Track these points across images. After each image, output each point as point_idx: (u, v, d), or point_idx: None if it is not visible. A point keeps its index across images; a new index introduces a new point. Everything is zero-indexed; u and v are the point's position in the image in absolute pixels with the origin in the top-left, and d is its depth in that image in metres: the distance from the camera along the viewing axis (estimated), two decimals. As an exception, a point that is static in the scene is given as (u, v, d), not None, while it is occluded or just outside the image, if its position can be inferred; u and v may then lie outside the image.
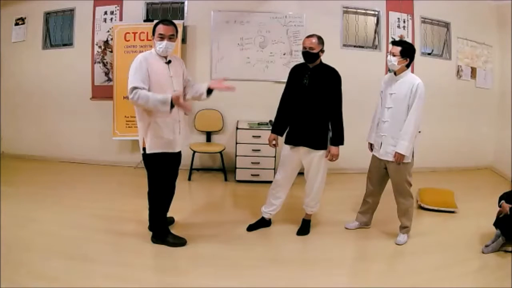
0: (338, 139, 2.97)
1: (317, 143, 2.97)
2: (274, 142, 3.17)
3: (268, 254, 2.96)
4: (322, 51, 2.92)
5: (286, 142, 3.09)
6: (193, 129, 4.74)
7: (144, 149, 2.79)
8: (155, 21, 2.81)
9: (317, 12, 4.68)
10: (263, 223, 3.33)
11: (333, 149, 2.97)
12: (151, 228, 3.04)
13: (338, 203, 3.90)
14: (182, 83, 2.92)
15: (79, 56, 4.77)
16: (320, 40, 2.91)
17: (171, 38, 2.71)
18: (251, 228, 3.29)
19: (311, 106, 2.95)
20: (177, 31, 2.80)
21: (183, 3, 4.71)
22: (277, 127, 3.16)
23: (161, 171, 2.85)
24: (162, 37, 2.68)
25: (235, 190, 4.35)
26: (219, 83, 2.89)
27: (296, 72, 3.07)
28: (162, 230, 2.98)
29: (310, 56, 2.91)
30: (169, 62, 2.79)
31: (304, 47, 2.91)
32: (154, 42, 2.72)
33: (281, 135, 3.16)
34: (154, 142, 2.75)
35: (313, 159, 3.01)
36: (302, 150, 3.02)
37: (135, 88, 2.57)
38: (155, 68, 2.69)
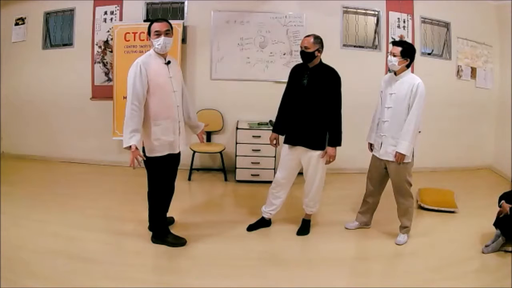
0: (336, 140, 2.96)
1: (315, 143, 2.97)
2: (275, 141, 3.19)
3: (268, 254, 2.96)
4: (318, 50, 2.90)
5: (285, 141, 3.10)
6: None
7: (144, 149, 2.78)
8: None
9: (317, 12, 4.68)
10: (263, 223, 3.33)
11: (330, 149, 2.96)
12: (151, 228, 3.04)
13: (338, 203, 3.90)
14: (180, 84, 2.93)
15: (79, 56, 4.77)
16: (317, 39, 2.89)
17: (167, 33, 2.72)
18: (251, 228, 3.29)
19: (309, 106, 2.95)
20: (172, 28, 2.79)
21: (183, 3, 4.71)
22: (278, 126, 3.17)
23: (161, 172, 2.85)
24: (158, 34, 2.68)
25: (235, 190, 4.35)
26: (201, 136, 3.20)
27: (296, 72, 3.07)
28: (162, 230, 2.98)
29: (306, 55, 2.91)
30: (168, 62, 2.79)
31: (301, 47, 2.92)
32: (152, 41, 2.72)
33: (282, 135, 3.16)
34: (155, 145, 2.75)
35: (311, 159, 3.01)
36: (300, 149, 3.02)
37: (134, 104, 2.61)
38: (154, 70, 2.69)
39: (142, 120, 2.69)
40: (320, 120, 2.95)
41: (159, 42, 2.69)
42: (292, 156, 3.07)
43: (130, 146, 2.63)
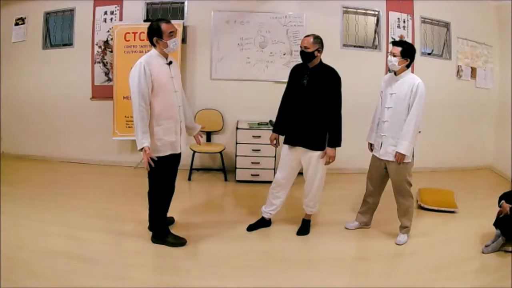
0: (335, 141, 2.94)
1: (315, 144, 2.96)
2: (275, 141, 3.19)
3: (268, 254, 2.96)
4: (318, 50, 2.89)
5: (285, 142, 3.10)
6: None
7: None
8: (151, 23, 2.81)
9: (317, 12, 4.68)
10: (263, 223, 3.32)
11: (329, 150, 2.95)
12: (151, 228, 3.04)
13: (338, 203, 3.90)
14: (181, 85, 2.94)
15: (79, 56, 4.77)
16: (317, 39, 2.89)
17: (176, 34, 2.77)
18: (251, 228, 3.29)
19: (309, 106, 2.94)
20: None
21: (183, 3, 4.71)
22: (278, 126, 3.16)
23: (163, 172, 2.85)
24: (172, 35, 2.71)
25: (235, 190, 4.35)
26: (198, 138, 3.22)
27: (296, 72, 3.07)
28: (162, 230, 2.98)
29: (305, 55, 2.90)
30: (170, 63, 2.80)
31: (300, 47, 2.92)
32: (163, 42, 2.70)
33: (282, 135, 3.16)
34: (157, 145, 2.75)
35: (311, 160, 3.00)
36: (300, 150, 3.02)
37: (141, 105, 2.61)
38: (157, 70, 2.69)
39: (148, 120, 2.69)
40: (320, 121, 2.94)
41: (175, 42, 2.72)
42: (292, 157, 3.07)
43: (143, 148, 2.63)
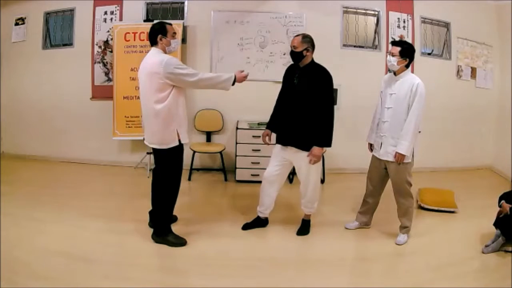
0: (323, 140, 2.89)
1: (306, 144, 2.92)
2: (267, 138, 3.18)
3: (268, 254, 2.96)
4: (307, 50, 2.87)
5: (277, 141, 3.08)
6: (193, 129, 4.73)
7: (178, 141, 2.85)
8: (155, 21, 2.90)
9: (317, 12, 4.68)
10: (259, 222, 3.30)
11: (315, 149, 2.89)
12: (152, 224, 3.05)
13: (338, 203, 3.91)
14: None
15: (79, 56, 4.77)
16: (305, 39, 2.87)
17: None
18: (246, 227, 3.27)
19: (300, 106, 2.91)
20: None
21: (183, 3, 4.71)
22: (271, 123, 3.18)
23: (181, 160, 2.95)
24: (175, 36, 2.88)
25: (235, 190, 4.35)
26: None
27: (289, 72, 3.08)
28: (165, 227, 2.99)
29: (294, 55, 2.90)
30: None
31: (290, 46, 2.92)
32: (167, 40, 2.82)
33: (275, 132, 3.15)
34: (185, 133, 2.89)
35: (303, 160, 2.97)
36: (292, 150, 2.99)
37: (195, 74, 2.76)
38: None
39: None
40: (311, 120, 2.90)
41: (176, 43, 2.92)
42: (283, 155, 3.05)
43: (234, 79, 2.97)
